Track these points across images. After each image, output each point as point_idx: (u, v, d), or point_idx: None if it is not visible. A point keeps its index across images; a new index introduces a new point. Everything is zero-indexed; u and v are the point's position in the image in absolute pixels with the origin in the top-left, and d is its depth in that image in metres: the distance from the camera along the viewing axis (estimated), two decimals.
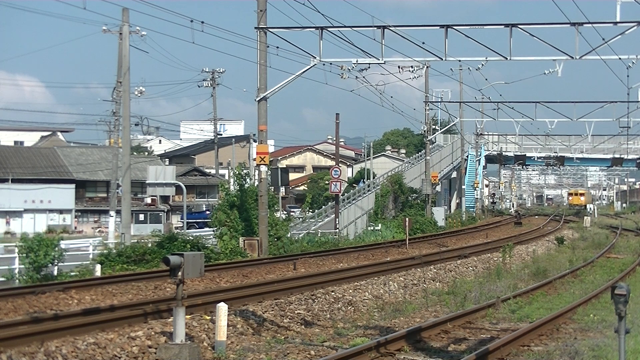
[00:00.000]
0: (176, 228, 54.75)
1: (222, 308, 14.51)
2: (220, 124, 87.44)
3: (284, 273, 26.46)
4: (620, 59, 30.89)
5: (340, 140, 58.36)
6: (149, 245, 29.80)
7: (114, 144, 46.82)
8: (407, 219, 41.42)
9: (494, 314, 18.94)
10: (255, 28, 31.49)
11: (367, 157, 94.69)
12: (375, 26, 29.72)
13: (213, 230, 37.38)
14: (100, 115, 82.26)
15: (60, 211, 69.20)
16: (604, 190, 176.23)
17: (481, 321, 18.11)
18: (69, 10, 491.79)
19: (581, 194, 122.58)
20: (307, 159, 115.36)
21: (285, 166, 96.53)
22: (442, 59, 30.44)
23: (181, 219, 60.70)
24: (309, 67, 31.75)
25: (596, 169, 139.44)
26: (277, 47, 31.23)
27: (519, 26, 28.30)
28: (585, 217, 69.65)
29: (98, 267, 26.38)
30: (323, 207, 54.58)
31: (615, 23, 27.79)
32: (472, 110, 74.65)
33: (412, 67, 42.92)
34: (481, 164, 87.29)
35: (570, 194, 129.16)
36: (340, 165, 52.93)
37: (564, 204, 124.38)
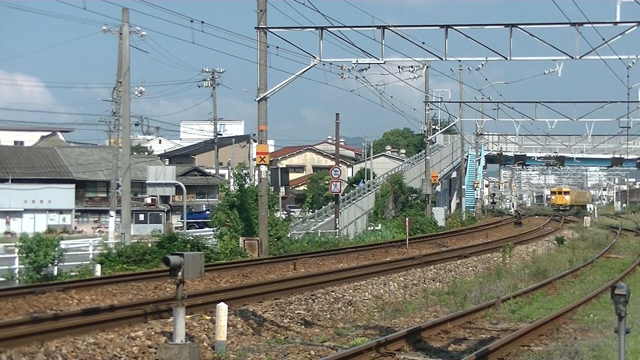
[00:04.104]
0: (176, 228, 54.71)
1: (222, 308, 14.51)
2: (220, 124, 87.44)
3: (284, 273, 26.46)
4: (620, 59, 30.86)
5: (340, 140, 58.34)
6: (149, 245, 29.79)
7: (114, 144, 46.81)
8: (407, 219, 41.42)
9: (494, 314, 18.94)
10: (255, 28, 31.49)
11: (367, 157, 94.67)
12: (375, 26, 29.70)
13: (213, 230, 37.36)
14: (100, 115, 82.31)
15: (60, 211, 69.20)
16: (604, 190, 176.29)
17: (481, 321, 18.11)
18: (69, 10, 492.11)
19: (565, 192, 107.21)
20: (307, 159, 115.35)
21: (285, 166, 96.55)
22: (442, 59, 30.40)
23: (181, 219, 60.68)
24: (309, 67, 31.75)
25: (596, 169, 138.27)
26: (277, 47, 31.26)
27: (519, 26, 28.28)
28: (585, 217, 69.65)
29: (98, 267, 26.39)
30: (323, 207, 54.56)
31: (615, 23, 27.77)
32: (472, 110, 74.74)
33: (412, 67, 42.90)
34: (481, 164, 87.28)
35: (552, 192, 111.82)
36: (340, 165, 52.91)
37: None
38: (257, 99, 32.30)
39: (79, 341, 13.94)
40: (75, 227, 69.30)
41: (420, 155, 69.43)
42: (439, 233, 51.55)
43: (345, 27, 30.31)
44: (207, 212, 65.23)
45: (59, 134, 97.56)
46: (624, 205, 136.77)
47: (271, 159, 60.10)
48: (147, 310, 16.77)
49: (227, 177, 68.49)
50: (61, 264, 26.09)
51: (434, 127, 62.23)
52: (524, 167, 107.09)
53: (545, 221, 72.17)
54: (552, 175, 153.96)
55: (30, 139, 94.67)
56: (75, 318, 16.08)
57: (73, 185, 70.10)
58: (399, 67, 41.12)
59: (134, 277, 23.34)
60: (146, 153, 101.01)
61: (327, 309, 19.35)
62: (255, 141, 51.95)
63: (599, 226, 64.08)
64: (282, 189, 62.40)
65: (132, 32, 39.13)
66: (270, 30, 31.19)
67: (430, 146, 61.84)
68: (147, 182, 44.02)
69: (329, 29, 30.08)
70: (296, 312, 18.42)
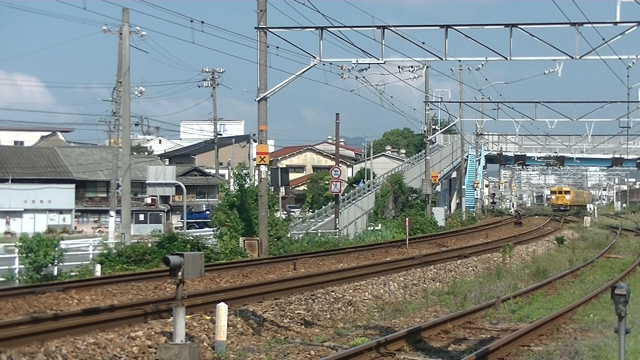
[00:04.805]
0: (176, 228, 54.72)
1: (222, 308, 14.51)
2: (220, 124, 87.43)
3: (284, 273, 26.46)
4: (620, 59, 30.86)
5: (340, 140, 58.34)
6: (149, 245, 29.78)
7: (114, 144, 46.81)
8: (407, 219, 41.42)
9: (494, 314, 18.93)
10: (255, 28, 31.49)
11: (367, 157, 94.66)
12: (375, 26, 29.70)
13: (213, 230, 37.36)
14: (100, 115, 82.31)
15: (60, 211, 69.19)
16: (604, 190, 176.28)
17: (481, 321, 18.11)
18: (69, 10, 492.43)
19: (566, 192, 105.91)
20: (307, 159, 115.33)
21: (285, 166, 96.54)
22: (442, 59, 30.40)
23: (181, 219, 60.68)
24: (309, 67, 31.75)
25: (596, 169, 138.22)
26: (277, 47, 31.27)
27: (519, 26, 28.28)
28: (585, 217, 69.64)
29: (98, 267, 26.38)
30: (323, 207, 54.56)
31: (615, 23, 27.77)
32: (472, 110, 74.75)
33: (412, 67, 42.91)
34: (481, 164, 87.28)
35: (552, 192, 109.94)
36: (340, 165, 52.91)
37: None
38: (257, 99, 32.30)
39: (79, 341, 13.94)
40: (75, 227, 69.29)
41: (420, 155, 69.43)
42: (439, 233, 51.54)
43: (345, 27, 30.31)
44: (207, 212, 65.22)
45: (59, 134, 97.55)
46: (624, 205, 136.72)
47: (271, 159, 60.12)
48: (147, 310, 16.76)
49: (227, 177, 68.48)
50: (61, 264, 26.09)
51: (434, 127, 62.24)
52: (524, 167, 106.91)
53: (545, 221, 72.14)
54: (552, 175, 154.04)
55: (30, 139, 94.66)
56: (75, 318, 16.07)
57: (73, 185, 70.09)
58: (399, 67, 41.17)
59: (134, 277, 23.33)
60: (146, 153, 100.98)
61: (327, 309, 19.35)
62: (255, 141, 51.94)
63: (599, 226, 64.08)
64: (282, 189, 62.38)
65: (132, 32, 39.13)
66: (270, 30, 31.19)
67: (430, 146, 61.85)
68: (147, 182, 44.01)
69: (329, 29, 30.08)
70: (296, 312, 18.41)
